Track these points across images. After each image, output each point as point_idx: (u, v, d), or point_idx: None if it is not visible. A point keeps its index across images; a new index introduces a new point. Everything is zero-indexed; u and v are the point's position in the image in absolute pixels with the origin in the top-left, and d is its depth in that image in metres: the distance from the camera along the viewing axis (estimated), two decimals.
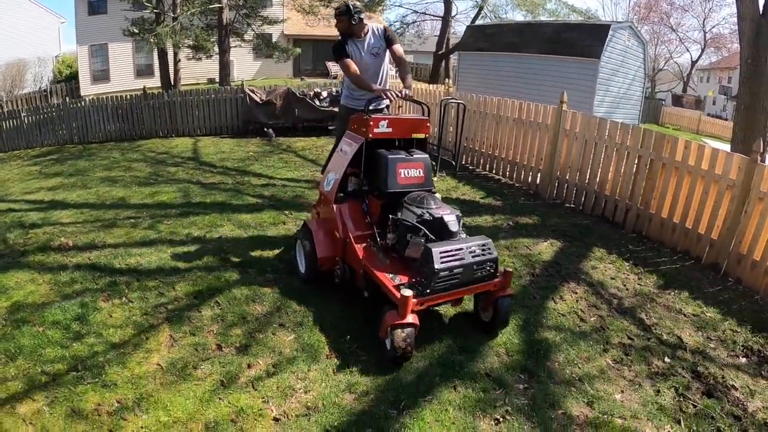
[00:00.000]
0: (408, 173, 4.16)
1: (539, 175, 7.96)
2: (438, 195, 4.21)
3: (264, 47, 21.59)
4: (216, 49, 19.70)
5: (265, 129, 12.72)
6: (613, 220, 6.77)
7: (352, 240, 4.24)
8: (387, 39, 5.05)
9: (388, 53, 5.15)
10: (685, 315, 4.80)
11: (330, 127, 13.17)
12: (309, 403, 3.70)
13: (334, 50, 4.95)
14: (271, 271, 5.87)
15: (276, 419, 3.78)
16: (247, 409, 3.94)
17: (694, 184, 5.75)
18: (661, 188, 6.14)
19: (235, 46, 20.99)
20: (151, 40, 15.32)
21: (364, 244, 4.17)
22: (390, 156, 4.15)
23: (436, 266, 3.47)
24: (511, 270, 3.92)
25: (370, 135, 4.20)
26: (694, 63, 60.23)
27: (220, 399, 4.10)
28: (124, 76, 29.53)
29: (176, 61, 20.53)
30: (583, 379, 3.82)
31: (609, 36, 18.17)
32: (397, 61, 5.02)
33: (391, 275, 3.83)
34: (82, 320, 5.06)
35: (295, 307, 4.89)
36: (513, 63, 20.37)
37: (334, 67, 31.50)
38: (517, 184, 8.62)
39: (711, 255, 5.65)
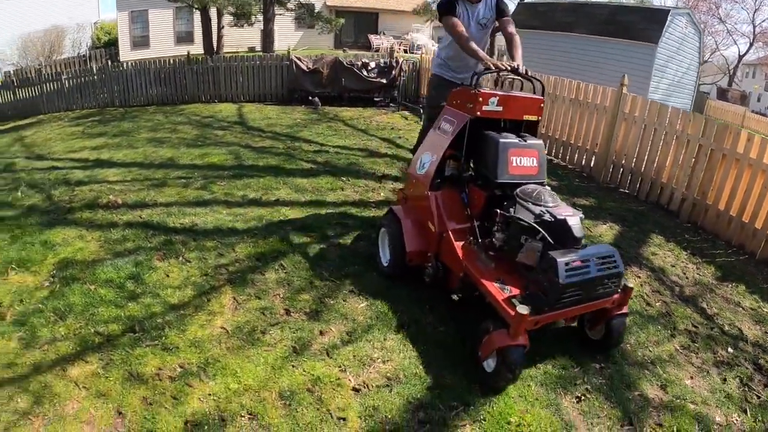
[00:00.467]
0: (520, 161, 3.67)
1: (594, 158, 7.92)
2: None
3: (307, 17, 21.29)
4: (259, 17, 19.42)
5: (311, 98, 12.56)
6: (668, 208, 6.78)
7: (451, 236, 3.75)
8: (498, 10, 4.61)
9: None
10: (743, 308, 4.75)
11: (376, 99, 13.75)
12: (389, 374, 3.57)
13: (440, 5, 4.46)
14: (334, 236, 5.45)
15: (356, 389, 3.55)
16: (324, 377, 3.68)
17: (755, 178, 5.67)
18: (720, 180, 6.10)
19: (279, 14, 20.69)
20: (195, 5, 15.08)
21: (464, 242, 3.70)
22: (502, 140, 3.65)
23: (561, 281, 3.00)
24: (632, 286, 3.51)
25: (478, 112, 3.70)
26: (741, 57, 57.47)
27: (293, 366, 3.82)
28: (164, 42, 29.74)
29: (219, 28, 20.40)
30: (654, 362, 3.85)
31: (667, 21, 18.07)
32: (508, 37, 4.47)
33: (498, 284, 3.34)
34: (137, 279, 4.77)
35: (366, 275, 4.69)
36: (566, 43, 20.28)
37: (376, 41, 31.05)
38: (570, 166, 8.47)
39: (766, 251, 5.59)
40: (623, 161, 7.46)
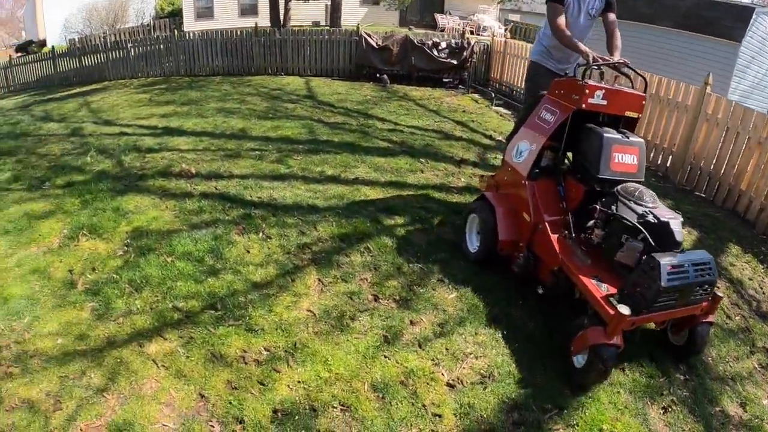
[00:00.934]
0: (622, 158, 3.70)
1: (671, 157, 7.71)
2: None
3: None
4: None
5: (379, 75, 12.53)
6: (745, 216, 6.51)
7: (548, 228, 3.79)
8: (607, 3, 4.65)
9: None
10: None
11: (445, 80, 13.72)
12: (483, 371, 3.51)
13: None
14: (419, 220, 5.42)
15: (450, 385, 3.41)
16: (418, 370, 3.51)
17: None
18: None
19: None
20: None
21: (559, 235, 3.75)
22: (606, 134, 3.67)
23: (663, 283, 3.08)
24: (721, 296, 3.58)
25: (584, 105, 3.72)
26: None
27: (386, 357, 3.65)
28: (228, 13, 30.12)
29: (287, 0, 20.36)
30: (734, 378, 3.83)
31: (752, 19, 17.38)
32: (610, 30, 4.55)
33: (595, 281, 3.40)
34: (216, 254, 4.60)
35: (453, 263, 4.60)
36: (646, 35, 19.77)
37: (442, 20, 30.58)
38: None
39: None
40: (702, 163, 7.23)
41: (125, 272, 4.53)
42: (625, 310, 3.10)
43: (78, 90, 14.24)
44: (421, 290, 4.17)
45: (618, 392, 3.45)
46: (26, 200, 6.04)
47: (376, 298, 4.20)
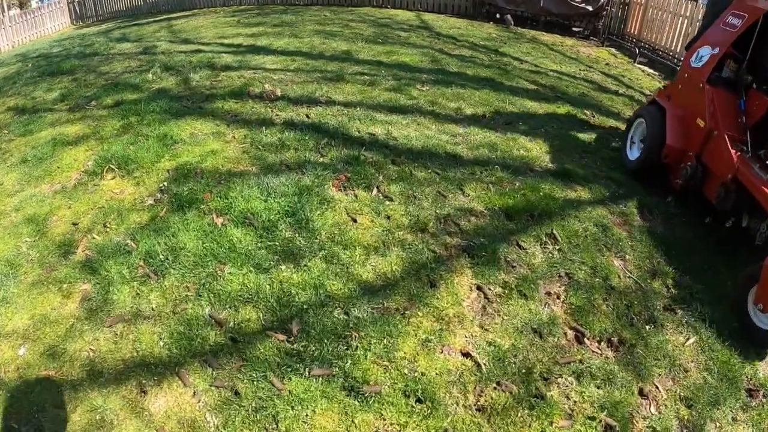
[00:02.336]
0: None
1: None
2: None
3: None
4: None
5: (499, 15, 11.04)
6: None
7: (725, 137, 3.22)
8: None
9: None
10: None
11: (575, 28, 11.25)
12: None
13: None
14: (611, 197, 3.41)
15: None
16: None
17: None
18: None
19: None
20: None
21: (736, 149, 3.18)
22: None
23: None
24: None
25: None
26: None
27: None
28: None
29: None
30: None
31: None
32: None
33: None
34: (300, 219, 2.49)
35: (677, 274, 2.84)
36: None
37: None
38: None
39: None
40: None
41: (147, 237, 2.62)
42: None
43: (165, 16, 12.67)
44: (645, 326, 2.46)
45: None
46: (63, 122, 4.44)
47: (578, 338, 2.29)
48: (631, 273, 2.69)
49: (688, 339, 2.46)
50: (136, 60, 6.50)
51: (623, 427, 1.89)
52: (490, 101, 4.86)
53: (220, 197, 2.88)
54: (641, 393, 2.12)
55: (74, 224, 3.00)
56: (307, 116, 3.95)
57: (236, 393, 1.84)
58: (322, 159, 3.23)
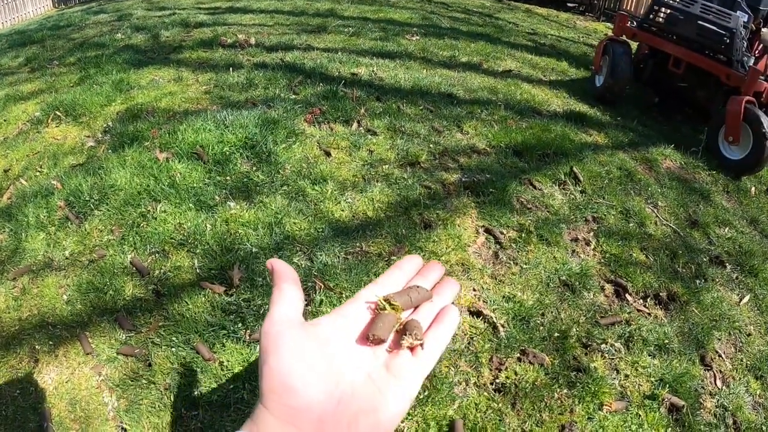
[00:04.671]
0: None
1: None
2: None
3: None
4: None
5: None
6: None
7: None
8: None
9: None
10: None
11: (569, 3, 10.37)
12: None
13: None
14: (630, 143, 2.86)
15: None
16: None
17: None
18: None
19: None
20: None
21: None
22: None
23: None
24: None
25: None
26: None
27: None
28: None
29: None
30: None
31: None
32: None
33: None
34: (261, 152, 1.83)
35: (716, 223, 2.29)
36: None
37: None
38: None
39: None
40: None
41: (77, 177, 1.85)
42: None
43: None
44: (695, 281, 1.86)
45: None
46: (22, 81, 3.85)
47: (619, 294, 1.71)
48: (667, 221, 2.07)
49: (742, 297, 1.85)
50: (109, 26, 5.82)
51: (692, 408, 1.27)
52: (486, 52, 4.25)
53: (169, 133, 2.23)
54: (703, 362, 1.51)
55: (5, 171, 2.45)
56: (282, 59, 3.31)
57: (149, 364, 1.19)
58: (293, 96, 2.59)
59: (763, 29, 3.07)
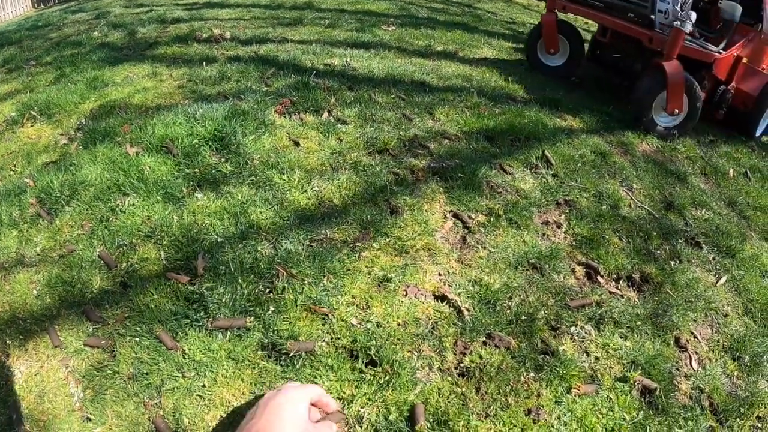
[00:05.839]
0: None
1: None
2: None
3: None
4: None
5: None
6: None
7: None
8: None
9: None
10: None
11: None
12: None
13: None
14: (604, 127, 2.86)
15: None
16: None
17: None
18: None
19: None
20: None
21: None
22: None
23: None
24: None
25: None
26: None
27: None
28: None
29: None
30: None
31: None
32: None
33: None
34: (228, 144, 1.80)
35: (693, 194, 2.38)
36: None
37: None
38: None
39: None
40: None
41: (49, 174, 1.85)
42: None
43: None
44: (669, 262, 1.87)
45: None
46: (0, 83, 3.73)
47: (591, 276, 1.72)
48: (642, 203, 2.09)
49: (719, 278, 1.88)
50: (87, 24, 5.76)
51: (665, 390, 1.29)
52: (463, 40, 4.24)
53: (140, 128, 2.22)
54: (678, 343, 1.53)
55: None
56: (256, 53, 3.29)
57: (114, 355, 1.20)
58: (265, 88, 2.58)
59: (721, 1, 2.96)
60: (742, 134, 3.21)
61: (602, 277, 1.67)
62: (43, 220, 1.83)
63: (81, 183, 1.92)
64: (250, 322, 1.27)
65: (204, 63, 3.16)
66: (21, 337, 1.41)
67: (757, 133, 3.31)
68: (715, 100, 3.12)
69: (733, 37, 3.04)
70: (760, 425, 1.41)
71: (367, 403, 1.16)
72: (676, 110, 2.85)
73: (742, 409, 1.39)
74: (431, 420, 1.14)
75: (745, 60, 3.08)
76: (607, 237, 1.86)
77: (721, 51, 2.90)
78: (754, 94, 3.09)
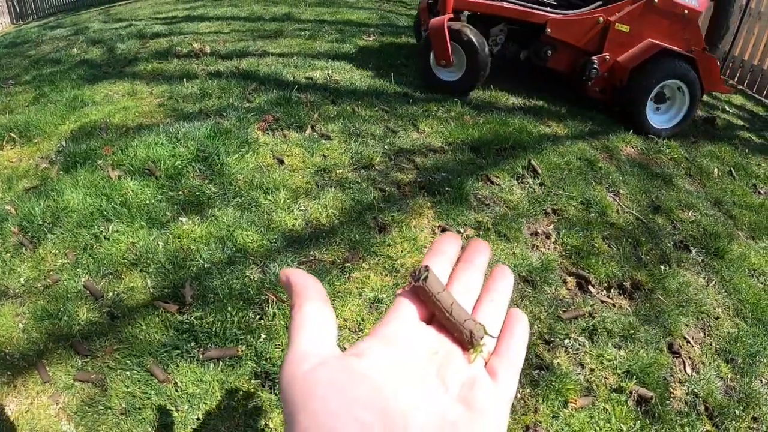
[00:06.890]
0: None
1: None
2: None
3: None
4: None
5: None
6: None
7: None
8: None
9: None
10: None
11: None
12: None
13: None
14: (589, 133, 2.88)
15: None
16: None
17: None
18: None
19: None
20: None
21: None
22: None
23: None
24: None
25: None
26: None
27: None
28: None
29: None
30: None
31: None
32: None
33: None
34: (211, 165, 1.76)
35: (679, 196, 2.40)
36: None
37: None
38: None
39: None
40: None
41: (30, 201, 1.80)
42: None
43: (106, 6, 11.64)
44: (659, 267, 1.87)
45: None
46: None
47: (582, 286, 1.72)
48: (629, 208, 2.10)
49: (709, 280, 1.88)
50: (65, 41, 5.69)
51: (661, 397, 1.30)
52: None
53: (122, 150, 2.19)
54: (671, 349, 1.54)
55: None
56: (237, 67, 3.26)
57: (105, 389, 1.17)
58: (247, 104, 2.56)
59: None
60: (632, 126, 2.79)
61: (593, 286, 1.67)
62: (26, 249, 1.79)
63: (63, 209, 1.88)
64: (242, 350, 1.25)
65: (184, 79, 3.12)
66: (9, 373, 1.38)
67: (655, 125, 2.83)
68: (578, 72, 2.80)
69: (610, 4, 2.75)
70: (755, 426, 1.42)
71: None
72: (444, 62, 2.76)
73: (738, 411, 1.40)
74: None
75: (625, 28, 2.71)
76: (596, 245, 1.87)
77: (557, 12, 2.70)
78: (628, 65, 2.67)
